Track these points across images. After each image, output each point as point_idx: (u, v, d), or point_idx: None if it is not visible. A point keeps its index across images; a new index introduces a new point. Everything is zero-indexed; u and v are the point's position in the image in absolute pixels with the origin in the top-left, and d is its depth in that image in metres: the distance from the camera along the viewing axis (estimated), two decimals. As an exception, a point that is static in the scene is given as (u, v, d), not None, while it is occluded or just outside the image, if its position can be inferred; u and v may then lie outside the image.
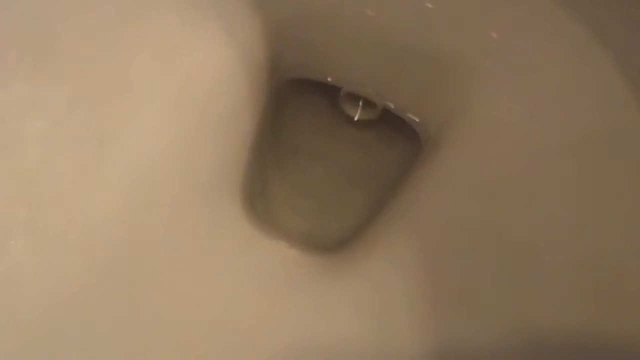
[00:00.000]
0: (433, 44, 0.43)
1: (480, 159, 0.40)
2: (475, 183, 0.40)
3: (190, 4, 0.41)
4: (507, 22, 0.40)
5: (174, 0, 0.40)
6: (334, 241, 0.47)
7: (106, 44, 0.38)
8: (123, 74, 0.39)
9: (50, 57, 0.36)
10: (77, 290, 0.34)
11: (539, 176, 0.37)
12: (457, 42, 0.42)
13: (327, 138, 0.54)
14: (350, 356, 0.38)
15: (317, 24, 0.44)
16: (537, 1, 0.38)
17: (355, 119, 0.54)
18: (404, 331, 0.38)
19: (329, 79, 0.49)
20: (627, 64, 0.35)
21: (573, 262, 0.35)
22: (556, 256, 0.36)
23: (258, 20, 0.43)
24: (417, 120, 0.48)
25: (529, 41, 0.39)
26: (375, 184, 0.51)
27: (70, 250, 0.34)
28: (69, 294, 0.33)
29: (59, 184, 0.35)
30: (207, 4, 0.41)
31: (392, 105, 0.49)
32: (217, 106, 0.43)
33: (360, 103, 0.53)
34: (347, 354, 0.38)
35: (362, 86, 0.49)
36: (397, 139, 0.52)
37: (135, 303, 0.36)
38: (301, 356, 0.38)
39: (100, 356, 0.34)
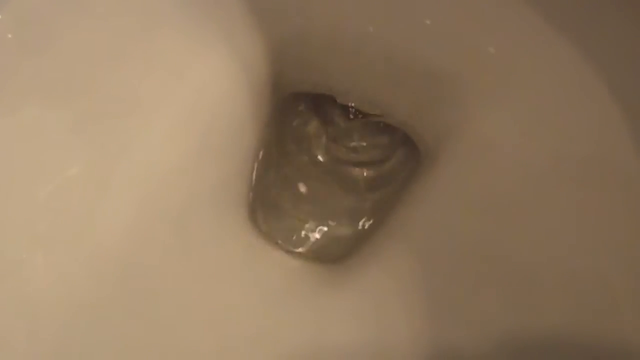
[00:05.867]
0: (431, 59, 0.44)
1: (476, 175, 0.41)
2: (470, 199, 0.41)
3: (196, 24, 0.42)
4: (505, 40, 0.40)
5: (180, 21, 0.41)
6: (335, 253, 0.48)
7: (113, 63, 0.39)
8: (130, 92, 0.40)
9: (59, 77, 0.37)
10: (88, 303, 0.36)
11: (532, 194, 0.38)
12: (454, 57, 0.43)
13: (330, 150, 0.55)
14: (351, 361, 0.40)
15: (318, 41, 0.45)
16: (536, 22, 0.38)
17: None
18: (401, 337, 0.40)
19: (331, 93, 0.50)
20: (623, 91, 0.35)
21: (561, 275, 0.37)
22: (546, 269, 0.37)
23: (261, 39, 0.44)
24: (416, 133, 0.48)
25: (526, 60, 0.40)
26: (376, 197, 0.52)
27: (81, 265, 0.36)
28: (80, 307, 0.35)
29: (69, 201, 0.37)
30: (212, 24, 0.42)
31: (391, 119, 0.50)
32: (223, 121, 0.44)
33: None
34: (347, 358, 0.40)
35: (363, 99, 0.50)
36: (398, 153, 0.53)
37: (144, 314, 0.38)
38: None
39: None
